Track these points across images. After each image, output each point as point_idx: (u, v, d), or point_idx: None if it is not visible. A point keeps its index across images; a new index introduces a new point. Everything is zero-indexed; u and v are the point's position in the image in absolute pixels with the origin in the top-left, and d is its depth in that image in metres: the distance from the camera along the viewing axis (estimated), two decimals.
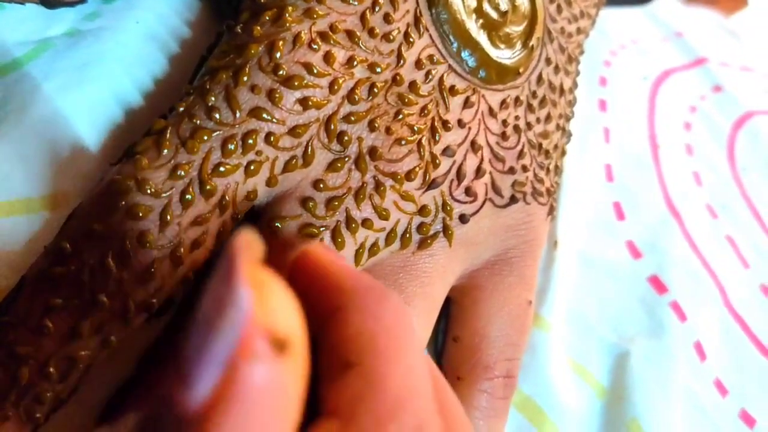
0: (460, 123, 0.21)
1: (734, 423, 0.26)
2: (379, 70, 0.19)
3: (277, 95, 0.18)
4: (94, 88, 0.20)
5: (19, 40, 0.21)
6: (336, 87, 0.18)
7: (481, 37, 0.21)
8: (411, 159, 0.20)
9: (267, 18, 0.18)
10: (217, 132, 0.17)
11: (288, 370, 0.10)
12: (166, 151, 0.17)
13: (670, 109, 0.34)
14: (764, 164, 0.35)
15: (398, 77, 0.20)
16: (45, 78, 0.20)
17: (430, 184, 0.20)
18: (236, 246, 0.10)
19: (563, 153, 0.25)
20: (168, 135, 0.17)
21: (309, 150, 0.18)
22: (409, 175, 0.19)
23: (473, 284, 0.22)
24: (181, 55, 0.21)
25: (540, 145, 0.23)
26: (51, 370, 0.16)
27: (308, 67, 0.18)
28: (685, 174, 0.32)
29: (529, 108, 0.23)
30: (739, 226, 0.31)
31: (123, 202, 0.16)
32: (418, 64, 0.20)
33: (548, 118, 0.23)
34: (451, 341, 0.22)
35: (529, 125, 0.23)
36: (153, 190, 0.16)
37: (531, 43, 0.23)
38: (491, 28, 0.22)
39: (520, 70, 0.22)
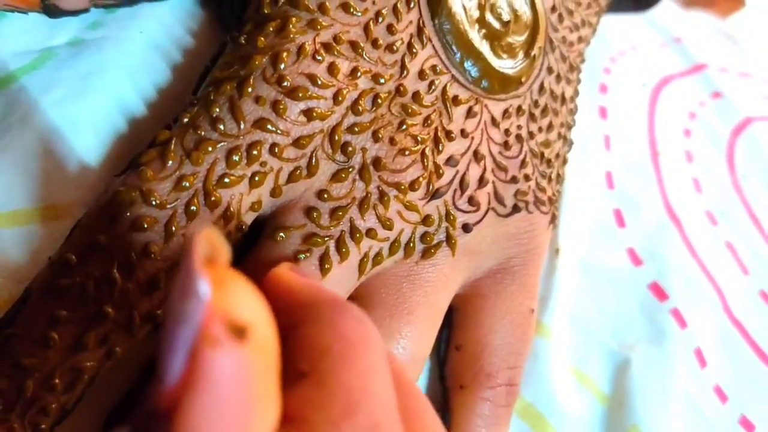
0: (463, 133, 0.21)
1: (734, 429, 0.26)
2: (382, 80, 0.19)
3: (281, 106, 0.18)
4: (98, 98, 0.20)
5: (22, 49, 0.21)
6: (340, 98, 0.18)
7: (484, 47, 0.21)
8: (414, 169, 0.20)
9: (271, 29, 0.19)
10: (222, 143, 0.17)
11: (251, 358, 0.10)
12: (170, 162, 0.17)
13: (670, 115, 0.35)
14: (763, 171, 0.35)
15: (402, 88, 0.20)
16: (48, 88, 0.20)
17: (434, 194, 0.20)
18: (195, 239, 0.10)
19: (565, 161, 0.25)
20: (173, 146, 0.17)
21: (313, 161, 0.18)
22: (412, 185, 0.19)
23: (476, 293, 0.22)
24: (185, 64, 0.21)
25: (542, 154, 0.23)
26: (56, 381, 0.16)
27: (312, 78, 0.18)
28: (685, 180, 0.32)
29: (531, 117, 0.23)
30: (738, 232, 0.32)
31: (128, 214, 0.16)
32: (422, 74, 0.20)
33: (550, 127, 0.24)
34: (453, 349, 0.22)
35: (531, 134, 0.23)
36: (158, 201, 0.16)
37: (533, 53, 0.23)
38: (493, 38, 0.22)
39: (522, 80, 0.22)
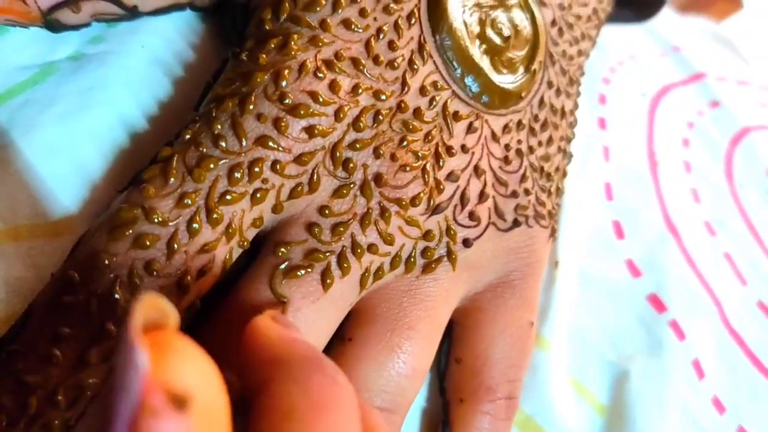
0: (464, 148, 0.21)
1: None
2: (383, 97, 0.19)
3: (283, 124, 0.18)
4: (100, 113, 0.20)
5: (23, 64, 0.21)
6: (341, 115, 0.19)
7: (484, 63, 0.21)
8: (415, 185, 0.20)
9: (272, 46, 0.19)
10: (224, 160, 0.17)
11: (192, 427, 0.10)
12: (172, 179, 0.17)
13: (669, 125, 0.35)
14: (761, 181, 0.35)
15: (403, 104, 0.20)
16: (50, 103, 0.20)
17: (435, 209, 0.20)
18: (135, 309, 0.10)
19: (564, 174, 0.25)
20: (174, 163, 0.17)
21: (315, 177, 0.18)
22: (413, 201, 0.20)
23: (476, 306, 0.22)
24: (186, 79, 0.21)
25: (542, 168, 0.23)
26: (59, 398, 0.16)
27: (314, 95, 0.18)
28: (684, 191, 0.32)
29: (531, 132, 0.23)
30: (736, 243, 0.32)
31: (130, 231, 0.16)
32: (423, 90, 0.20)
33: (550, 140, 0.24)
34: (453, 363, 0.22)
35: (531, 149, 0.23)
36: (160, 219, 0.17)
37: (533, 67, 0.23)
38: (494, 53, 0.22)
39: (522, 95, 0.22)
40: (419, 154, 0.20)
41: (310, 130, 0.18)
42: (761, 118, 0.39)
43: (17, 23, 0.20)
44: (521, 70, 0.23)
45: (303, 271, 0.18)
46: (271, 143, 0.18)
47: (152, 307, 0.11)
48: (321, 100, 0.18)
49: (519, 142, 0.22)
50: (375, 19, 0.20)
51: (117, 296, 0.16)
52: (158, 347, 0.10)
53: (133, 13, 0.20)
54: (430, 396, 0.23)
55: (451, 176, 0.20)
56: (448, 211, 0.20)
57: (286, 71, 0.18)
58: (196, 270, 0.17)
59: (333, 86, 0.18)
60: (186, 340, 0.11)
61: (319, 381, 0.13)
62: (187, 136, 0.18)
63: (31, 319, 0.16)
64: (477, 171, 0.21)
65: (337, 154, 0.19)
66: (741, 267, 0.31)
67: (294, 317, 0.18)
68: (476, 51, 0.21)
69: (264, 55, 0.18)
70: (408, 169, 0.20)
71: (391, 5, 0.20)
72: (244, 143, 0.17)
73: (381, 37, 0.20)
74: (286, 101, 0.18)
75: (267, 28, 0.19)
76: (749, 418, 0.27)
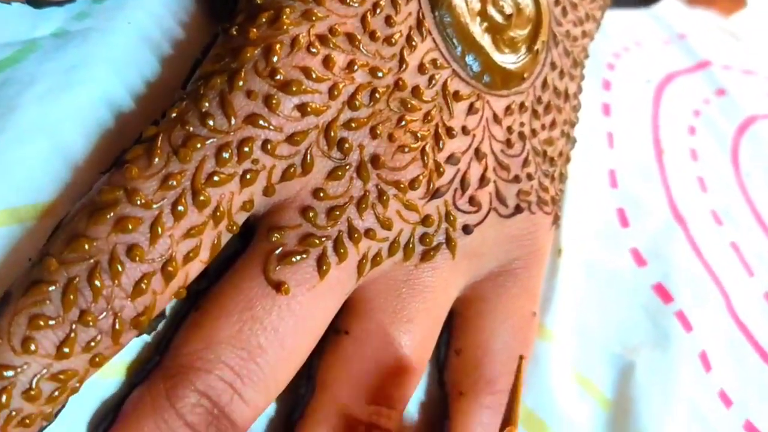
0: (465, 130, 0.20)
1: None
2: (380, 74, 0.18)
3: (274, 101, 0.17)
4: (83, 92, 0.19)
5: (5, 41, 0.20)
6: (336, 92, 0.18)
7: (485, 41, 0.21)
8: (414, 167, 0.19)
9: (264, 20, 0.18)
10: (211, 140, 0.16)
11: None
12: (157, 159, 0.16)
13: (674, 113, 0.34)
14: (767, 169, 0.35)
15: (401, 82, 0.19)
16: (31, 81, 0.19)
17: (434, 193, 0.19)
18: None
19: (568, 159, 0.24)
20: (159, 143, 0.16)
21: (308, 158, 0.18)
22: (412, 184, 0.19)
23: (476, 296, 0.21)
24: (174, 57, 0.21)
25: (545, 152, 0.22)
26: (36, 391, 0.15)
27: (307, 71, 0.17)
28: (690, 179, 0.32)
29: (534, 114, 0.22)
30: (743, 233, 0.31)
31: (111, 214, 0.16)
32: (421, 68, 0.19)
33: (553, 124, 0.23)
34: (453, 354, 0.21)
35: (534, 132, 0.22)
36: (143, 201, 0.16)
37: (536, 48, 0.22)
38: (495, 31, 0.21)
39: (525, 75, 0.22)
40: (418, 134, 0.19)
41: (302, 108, 0.17)
42: (767, 107, 0.38)
43: None
44: (523, 49, 0.22)
45: (298, 257, 0.17)
46: (261, 122, 0.17)
47: None
48: (314, 76, 0.17)
49: (521, 125, 0.21)
50: None
51: (97, 283, 0.15)
52: None
53: None
54: (429, 389, 0.22)
55: (452, 159, 0.20)
56: (447, 195, 0.20)
57: (278, 46, 0.17)
58: (182, 255, 0.16)
59: (327, 62, 0.18)
60: None
61: None
62: (173, 115, 0.17)
63: (6, 306, 0.15)
64: (478, 154, 0.20)
65: (332, 134, 0.18)
66: (748, 257, 0.30)
67: (288, 306, 0.17)
68: (477, 29, 0.21)
69: (254, 30, 0.18)
70: (406, 150, 0.19)
71: None
72: (233, 122, 0.17)
73: (378, 12, 0.19)
74: (278, 77, 0.17)
75: (258, 1, 0.18)
76: (756, 412, 0.26)
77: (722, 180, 0.33)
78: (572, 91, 0.24)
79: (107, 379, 0.17)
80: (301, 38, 0.17)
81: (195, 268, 0.17)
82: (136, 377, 0.17)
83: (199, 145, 0.16)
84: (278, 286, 0.17)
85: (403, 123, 0.19)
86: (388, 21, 0.19)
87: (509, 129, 0.21)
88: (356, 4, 0.18)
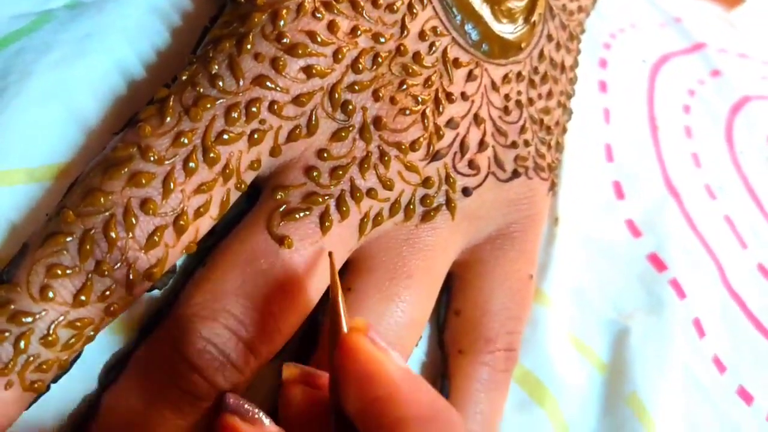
0: (464, 96, 0.21)
1: (732, 399, 0.26)
2: (382, 40, 0.19)
3: (280, 63, 0.18)
4: (96, 60, 0.20)
5: (20, 12, 0.20)
6: (340, 56, 0.18)
7: (484, 11, 0.21)
8: (415, 129, 0.20)
9: None
10: (221, 100, 0.17)
11: None
12: (169, 118, 0.17)
13: (670, 92, 0.35)
14: (761, 148, 0.35)
15: (402, 47, 0.20)
16: (47, 49, 0.19)
17: (434, 156, 0.20)
18: None
19: (564, 130, 0.25)
20: (171, 103, 0.17)
21: (313, 119, 0.18)
22: (413, 146, 0.19)
23: (475, 258, 0.22)
24: (184, 27, 0.21)
25: (541, 120, 0.23)
26: (54, 337, 0.16)
27: (312, 35, 0.18)
28: (684, 155, 0.32)
29: (531, 83, 0.23)
30: (737, 207, 0.32)
31: (126, 169, 0.16)
32: (422, 35, 0.20)
33: (549, 94, 0.24)
34: (452, 315, 0.22)
35: (530, 101, 0.23)
36: (156, 157, 0.16)
37: (533, 19, 0.23)
38: (494, 2, 0.22)
39: (522, 45, 0.22)
40: (419, 98, 0.20)
41: (308, 70, 0.18)
42: (762, 88, 0.39)
43: None
44: (521, 20, 0.22)
45: (301, 214, 0.18)
46: (268, 83, 0.17)
47: None
48: (319, 40, 0.18)
49: (519, 93, 0.22)
50: None
51: (113, 234, 0.16)
52: None
53: None
54: (429, 350, 0.23)
55: (451, 123, 0.20)
56: (447, 158, 0.20)
57: (284, 11, 0.18)
58: (193, 210, 0.17)
59: (331, 27, 0.18)
60: None
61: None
62: (184, 77, 0.18)
63: (24, 256, 0.16)
64: (477, 119, 0.21)
65: (336, 96, 0.18)
66: (741, 230, 0.31)
67: (291, 259, 0.18)
68: None
69: None
70: (408, 112, 0.19)
71: None
72: (241, 83, 0.17)
73: None
74: (284, 41, 0.18)
75: None
76: (750, 378, 0.26)
77: (716, 156, 0.33)
78: (568, 64, 0.25)
79: (119, 335, 0.18)
80: (306, 4, 0.18)
81: (205, 223, 0.17)
82: (146, 331, 0.18)
83: (209, 105, 0.17)
84: (281, 240, 0.18)
85: (405, 87, 0.19)
86: None
87: (507, 97, 0.22)
88: None
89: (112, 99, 0.19)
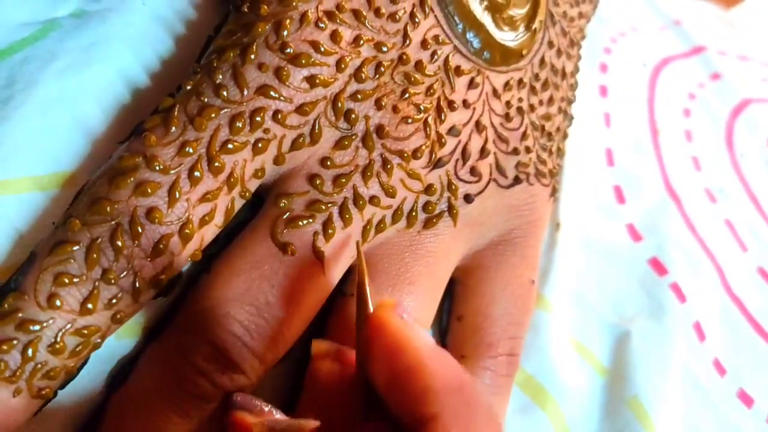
0: (465, 103, 0.21)
1: (732, 402, 0.26)
2: (385, 49, 0.19)
3: (284, 73, 0.18)
4: (101, 69, 0.20)
5: (25, 21, 0.20)
6: (343, 65, 0.18)
7: (486, 19, 0.21)
8: (417, 137, 0.20)
9: None
10: (225, 110, 0.17)
11: None
12: (174, 128, 0.17)
13: (670, 95, 0.35)
14: (761, 151, 0.35)
15: (404, 56, 0.20)
16: (52, 58, 0.20)
17: (436, 163, 0.20)
18: None
19: (565, 136, 0.25)
20: (176, 112, 0.17)
21: (316, 128, 0.18)
22: (415, 154, 0.20)
23: (477, 264, 0.22)
24: (188, 36, 0.21)
25: (542, 127, 0.23)
26: (61, 344, 0.16)
27: (315, 45, 0.18)
28: (685, 159, 0.32)
29: (532, 90, 0.23)
30: (737, 210, 0.32)
31: (131, 179, 0.16)
32: (424, 44, 0.20)
33: (550, 100, 0.24)
34: (455, 320, 0.22)
35: (531, 107, 0.23)
36: (161, 166, 0.17)
37: (534, 26, 0.23)
38: (495, 10, 0.22)
39: (523, 53, 0.22)
40: (421, 107, 0.20)
41: (311, 80, 0.18)
42: (762, 91, 0.39)
43: None
44: (522, 28, 0.23)
45: (305, 221, 0.18)
46: (272, 93, 0.18)
47: None
48: (322, 50, 0.18)
49: (520, 100, 0.22)
50: None
51: (119, 243, 0.16)
52: None
53: None
54: None
55: (453, 130, 0.20)
56: (449, 165, 0.20)
57: (288, 21, 0.18)
58: (198, 219, 0.17)
59: (334, 37, 0.18)
60: None
61: (481, 419, 0.14)
62: (189, 87, 0.18)
63: (32, 265, 0.16)
64: (478, 126, 0.21)
65: (339, 105, 0.19)
66: (742, 234, 0.31)
67: (295, 266, 0.18)
68: (477, 7, 0.21)
69: (265, 6, 0.18)
70: (410, 121, 0.20)
71: None
72: (245, 93, 0.17)
73: None
74: (288, 51, 0.18)
75: None
76: (750, 381, 0.27)
77: (716, 160, 0.34)
78: (569, 70, 0.25)
79: (125, 339, 0.18)
80: (309, 14, 0.18)
81: (210, 231, 0.18)
82: (152, 337, 0.18)
83: (213, 115, 0.17)
84: (284, 247, 0.18)
85: (407, 95, 0.20)
86: None
87: (508, 104, 0.22)
88: None
89: (117, 107, 0.20)
